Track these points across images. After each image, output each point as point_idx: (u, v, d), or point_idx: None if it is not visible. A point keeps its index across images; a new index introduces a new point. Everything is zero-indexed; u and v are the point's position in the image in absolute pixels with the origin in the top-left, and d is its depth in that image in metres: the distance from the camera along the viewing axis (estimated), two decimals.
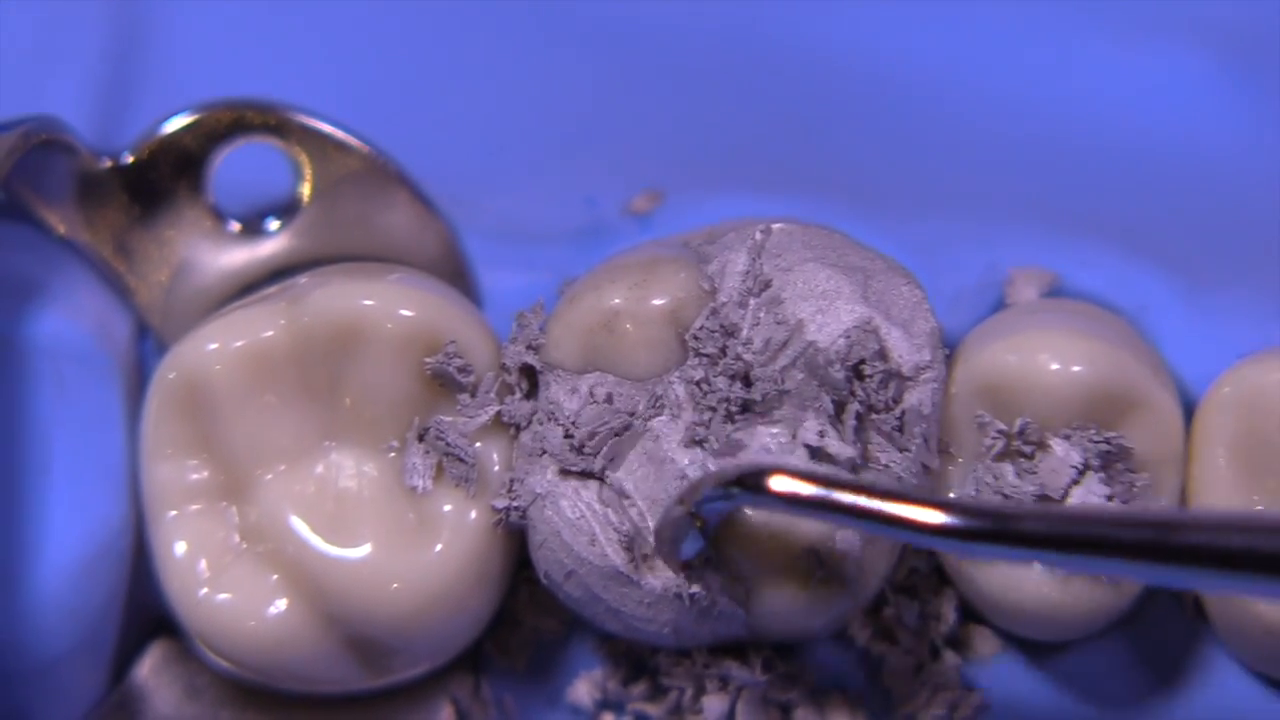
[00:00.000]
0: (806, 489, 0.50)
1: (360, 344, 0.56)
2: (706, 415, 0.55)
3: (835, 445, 0.54)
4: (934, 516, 0.48)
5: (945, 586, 0.58)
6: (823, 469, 0.53)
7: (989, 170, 0.63)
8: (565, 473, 0.55)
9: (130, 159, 0.59)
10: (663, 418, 0.55)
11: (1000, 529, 0.48)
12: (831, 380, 0.54)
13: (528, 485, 0.56)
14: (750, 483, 0.51)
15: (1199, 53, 0.63)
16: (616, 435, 0.55)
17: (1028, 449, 0.55)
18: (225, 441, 0.56)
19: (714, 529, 0.53)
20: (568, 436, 0.55)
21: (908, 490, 0.50)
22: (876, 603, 0.58)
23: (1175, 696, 0.57)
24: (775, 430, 0.55)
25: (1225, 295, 0.59)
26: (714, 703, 0.57)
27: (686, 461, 0.55)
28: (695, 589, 0.54)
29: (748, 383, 0.55)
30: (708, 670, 0.57)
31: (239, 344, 0.56)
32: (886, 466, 0.54)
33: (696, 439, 0.55)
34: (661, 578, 0.55)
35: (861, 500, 0.49)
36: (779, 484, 0.50)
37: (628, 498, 0.55)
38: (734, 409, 0.55)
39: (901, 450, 0.55)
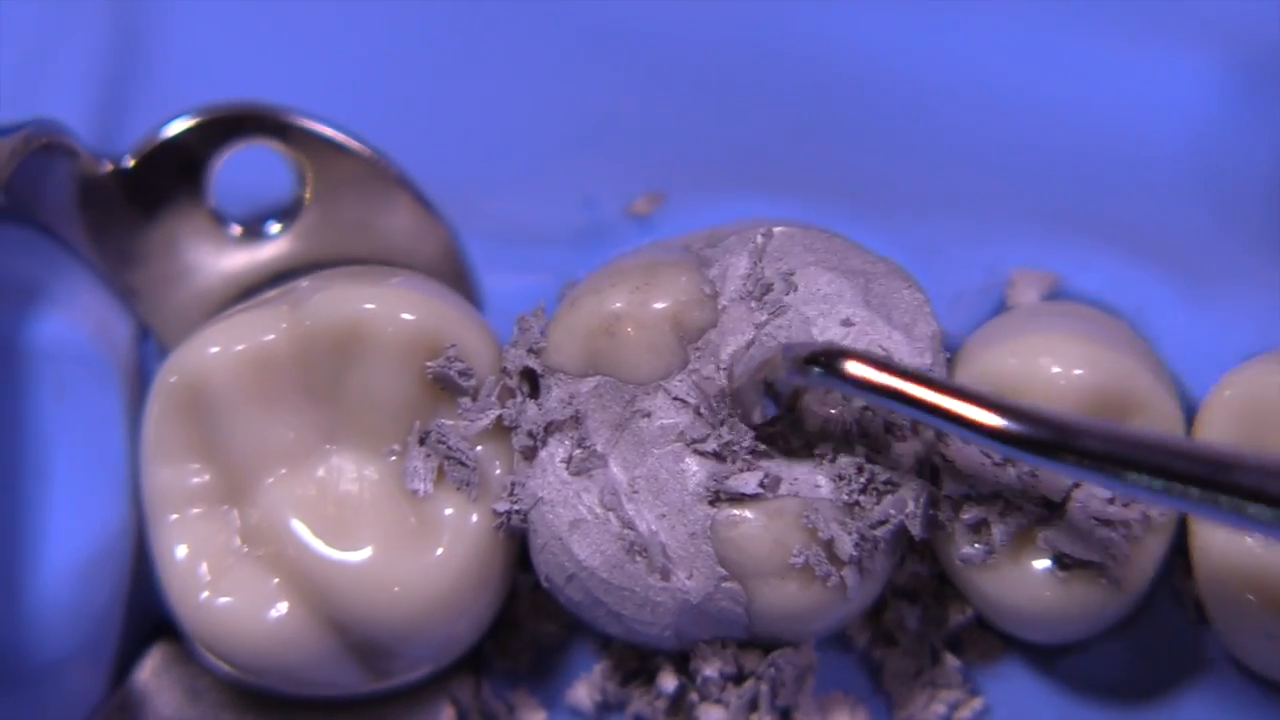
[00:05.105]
0: (878, 375, 0.50)
1: (361, 347, 0.56)
2: (706, 415, 0.55)
3: None
4: (993, 419, 0.49)
5: (946, 589, 0.58)
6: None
7: (990, 173, 0.63)
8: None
9: (131, 162, 0.59)
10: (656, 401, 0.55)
11: (1058, 441, 0.48)
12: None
13: (529, 489, 0.56)
14: (825, 362, 0.51)
15: (1198, 54, 0.63)
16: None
17: None
18: (226, 445, 0.56)
19: (787, 399, 0.54)
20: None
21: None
22: (877, 606, 0.58)
23: (1177, 699, 0.57)
24: None
25: (1226, 297, 0.59)
26: (713, 704, 0.57)
27: (690, 463, 0.55)
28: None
29: None
30: (707, 672, 0.57)
31: (240, 347, 0.56)
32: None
33: (695, 438, 0.55)
34: (660, 581, 0.55)
35: (928, 394, 0.50)
36: (854, 368, 0.51)
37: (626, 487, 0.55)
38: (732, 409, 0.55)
39: None
